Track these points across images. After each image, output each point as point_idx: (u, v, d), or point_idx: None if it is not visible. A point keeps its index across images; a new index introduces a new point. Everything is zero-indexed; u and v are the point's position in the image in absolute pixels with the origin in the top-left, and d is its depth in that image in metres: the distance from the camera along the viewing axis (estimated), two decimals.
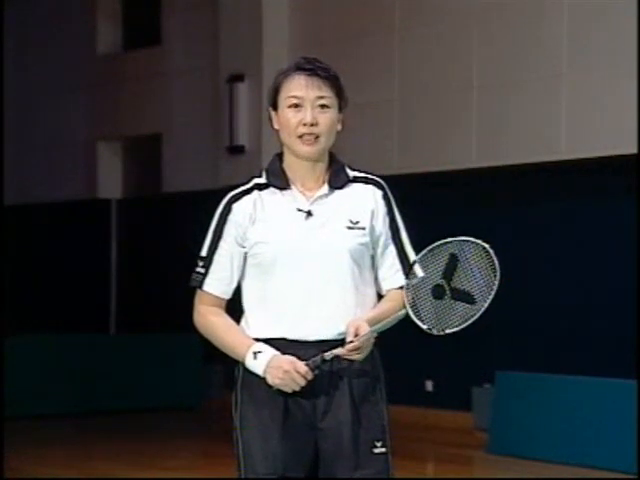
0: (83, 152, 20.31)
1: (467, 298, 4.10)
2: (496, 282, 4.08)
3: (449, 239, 4.11)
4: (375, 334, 4.13)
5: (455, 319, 4.10)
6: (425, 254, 4.13)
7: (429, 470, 12.29)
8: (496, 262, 4.08)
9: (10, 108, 21.76)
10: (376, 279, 4.20)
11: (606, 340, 13.32)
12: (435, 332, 4.09)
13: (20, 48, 21.50)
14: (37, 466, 11.89)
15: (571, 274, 13.83)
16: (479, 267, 4.10)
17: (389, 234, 4.20)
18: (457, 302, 4.11)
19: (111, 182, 20.19)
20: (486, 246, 4.10)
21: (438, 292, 4.10)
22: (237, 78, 16.85)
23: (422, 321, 4.08)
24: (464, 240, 4.12)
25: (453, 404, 14.46)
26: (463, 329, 4.12)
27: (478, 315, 4.09)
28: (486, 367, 13.43)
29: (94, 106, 20.03)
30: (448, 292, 4.10)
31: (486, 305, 4.09)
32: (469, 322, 4.09)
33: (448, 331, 4.10)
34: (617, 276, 13.36)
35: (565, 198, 13.91)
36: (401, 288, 4.14)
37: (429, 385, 14.96)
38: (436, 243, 4.11)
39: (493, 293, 4.09)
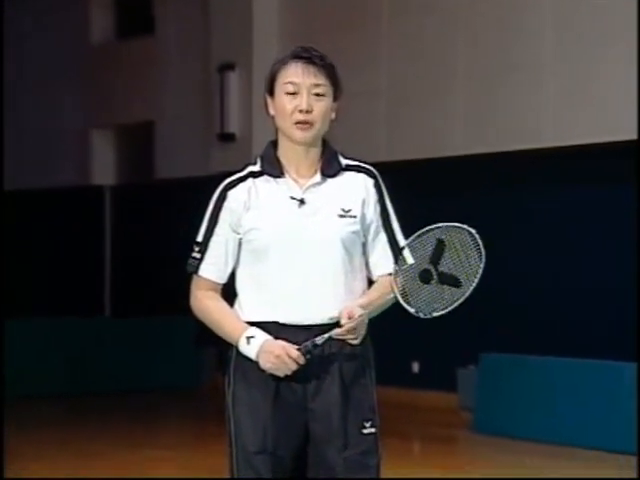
0: (77, 140, 20.30)
1: (453, 282, 4.10)
2: (481, 266, 4.08)
3: (436, 225, 4.11)
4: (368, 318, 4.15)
5: (442, 302, 4.10)
6: (413, 240, 4.13)
7: (415, 449, 12.33)
8: (482, 247, 4.08)
9: (5, 96, 21.73)
10: (367, 265, 4.21)
11: (589, 322, 13.36)
12: (422, 315, 4.09)
13: (15, 37, 21.43)
14: (33, 445, 11.90)
15: (554, 259, 13.86)
16: (465, 252, 4.10)
17: (380, 222, 4.20)
18: (444, 286, 4.11)
19: (105, 169, 20.20)
20: (472, 231, 4.10)
21: (425, 276, 4.10)
22: (228, 67, 16.86)
23: (410, 305, 4.09)
24: (451, 226, 4.12)
25: (438, 385, 14.49)
26: (448, 312, 4.13)
27: (464, 298, 4.10)
28: (471, 349, 13.47)
29: (88, 94, 20.00)
30: (435, 276, 4.10)
31: (471, 288, 4.09)
32: (455, 305, 4.09)
33: (435, 314, 4.10)
34: (599, 260, 13.39)
35: (549, 184, 13.94)
36: (391, 274, 4.14)
37: (415, 367, 15.00)
38: (424, 229, 4.11)
39: (478, 277, 4.09)
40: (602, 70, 13.39)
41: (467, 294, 4.09)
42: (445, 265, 4.10)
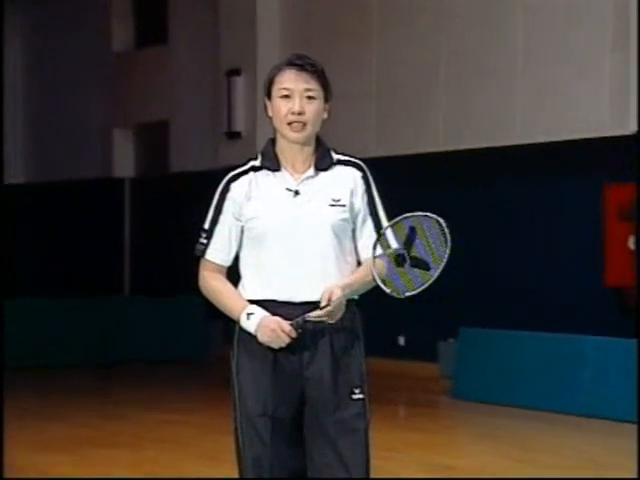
0: (100, 137, 20.31)
1: (423, 265, 4.07)
2: (447, 251, 4.05)
3: (409, 214, 4.09)
4: (356, 296, 4.14)
5: (413, 284, 4.07)
6: (388, 227, 4.12)
7: (401, 413, 12.33)
8: (448, 235, 4.04)
9: (36, 98, 21.76)
10: (356, 249, 4.21)
11: (555, 301, 13.38)
12: (395, 295, 4.07)
13: (45, 46, 21.46)
14: (61, 409, 11.91)
15: (525, 244, 13.88)
16: (434, 238, 4.08)
17: (367, 210, 4.19)
18: (415, 269, 4.08)
19: (125, 163, 20.21)
20: (440, 220, 4.07)
21: (399, 260, 4.09)
22: (234, 72, 16.87)
23: (386, 286, 4.08)
24: (422, 215, 4.09)
25: (422, 356, 14.51)
26: (430, 291, 4.12)
27: (432, 280, 4.06)
28: (450, 324, 13.48)
29: (110, 97, 20.02)
30: (408, 260, 4.08)
31: (439, 272, 4.05)
32: (425, 286, 4.06)
33: (407, 294, 4.08)
34: (564, 244, 13.41)
35: (519, 176, 13.95)
36: (375, 257, 4.13)
37: (401, 340, 15.01)
38: (398, 218, 4.09)
39: (445, 261, 4.05)
40: (566, 75, 13.40)
41: (435, 277, 4.05)
42: (416, 250, 4.08)
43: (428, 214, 4.08)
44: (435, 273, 4.06)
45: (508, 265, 13.95)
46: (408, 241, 4.07)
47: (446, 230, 4.06)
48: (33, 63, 21.82)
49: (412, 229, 4.08)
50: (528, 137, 13.77)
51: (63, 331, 15.92)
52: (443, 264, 4.05)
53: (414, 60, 15.08)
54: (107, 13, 20.09)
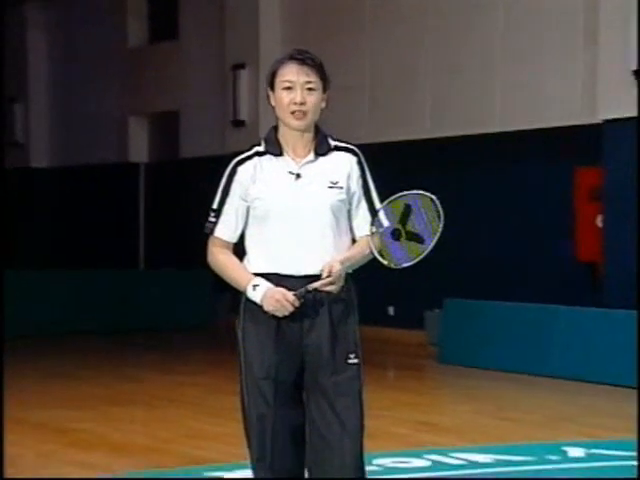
0: (117, 125, 20.30)
1: (418, 239, 4.06)
2: (441, 225, 4.03)
3: (405, 192, 4.08)
4: (350, 270, 4.13)
5: (409, 256, 4.07)
6: (386, 204, 4.11)
7: (391, 375, 12.36)
8: (441, 210, 4.04)
9: (59, 89, 21.73)
10: (351, 228, 4.19)
11: (531, 274, 13.40)
12: (393, 266, 4.06)
13: (68, 41, 21.44)
14: (82, 371, 11.92)
15: (504, 222, 13.89)
16: (427, 214, 4.06)
17: (362, 192, 4.18)
18: (411, 242, 4.07)
19: (139, 149, 20.21)
20: (433, 197, 4.05)
21: (396, 234, 4.07)
22: (239, 66, 16.87)
23: (383, 258, 4.07)
24: (416, 193, 4.08)
25: (410, 325, 14.55)
26: (417, 266, 4.10)
27: (427, 252, 4.05)
28: (436, 295, 13.50)
29: (126, 88, 20.01)
30: (404, 234, 4.06)
31: (433, 244, 4.04)
32: (420, 258, 4.05)
33: (404, 265, 4.07)
34: (539, 222, 13.42)
35: (496, 161, 13.96)
36: (371, 234, 4.12)
37: (391, 310, 15.04)
38: (394, 196, 4.08)
39: (438, 235, 4.04)
40: (541, 70, 13.41)
41: (429, 249, 4.04)
42: (411, 225, 4.06)
43: (422, 192, 4.07)
44: (429, 246, 4.04)
45: (489, 242, 13.97)
46: (404, 217, 4.05)
47: (439, 206, 4.05)
48: (57, 57, 21.79)
49: (407, 206, 4.07)
50: (506, 125, 13.79)
51: (83, 300, 15.97)
52: (437, 237, 4.04)
53: (403, 55, 15.08)
54: (123, 11, 20.09)
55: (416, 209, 4.06)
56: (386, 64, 15.32)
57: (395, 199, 4.07)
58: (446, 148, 14.38)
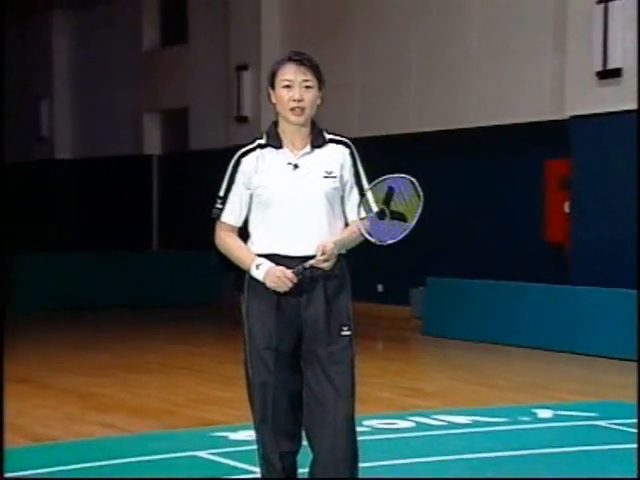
0: (132, 121, 20.26)
1: (401, 217, 4.02)
2: (421, 205, 3.99)
3: (388, 176, 4.04)
4: (344, 251, 4.13)
5: (394, 233, 4.02)
6: (370, 187, 4.08)
7: (379, 346, 12.37)
8: (420, 191, 3.99)
9: (81, 88, 21.68)
10: (344, 213, 4.18)
11: (504, 255, 13.40)
12: (378, 243, 4.03)
13: (89, 45, 21.38)
14: (103, 342, 11.94)
15: (483, 208, 13.89)
16: (409, 195, 4.02)
17: (353, 180, 4.16)
18: (394, 221, 4.02)
19: (152, 142, 20.17)
20: (413, 180, 4.02)
21: (381, 215, 4.05)
22: (242, 67, 16.83)
23: (371, 237, 4.06)
24: (397, 176, 4.05)
25: (396, 301, 14.56)
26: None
27: (409, 230, 3.99)
28: (420, 274, 13.50)
29: (140, 87, 19.95)
30: (388, 214, 4.02)
31: (415, 222, 3.99)
32: (404, 235, 4.00)
33: (390, 241, 4.02)
34: (517, 208, 13.42)
35: (475, 152, 13.95)
36: (361, 219, 4.10)
37: (380, 287, 15.05)
38: (378, 179, 4.05)
39: (419, 213, 3.99)
40: (514, 71, 13.39)
41: (411, 227, 3.99)
42: (395, 205, 4.01)
43: (403, 175, 4.03)
44: (412, 223, 4.01)
45: (468, 226, 13.98)
46: (387, 198, 4.02)
47: (418, 187, 4.01)
48: (79, 59, 21.74)
49: (390, 188, 4.04)
50: (484, 121, 13.77)
51: (103, 278, 15.97)
52: (418, 215, 4.00)
53: (390, 57, 15.06)
54: (138, 18, 20.04)
55: (398, 191, 4.04)
56: (375, 65, 15.30)
57: (379, 182, 4.05)
58: (429, 141, 14.37)
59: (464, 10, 14.01)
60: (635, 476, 2.98)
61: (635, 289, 10.85)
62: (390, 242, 4.03)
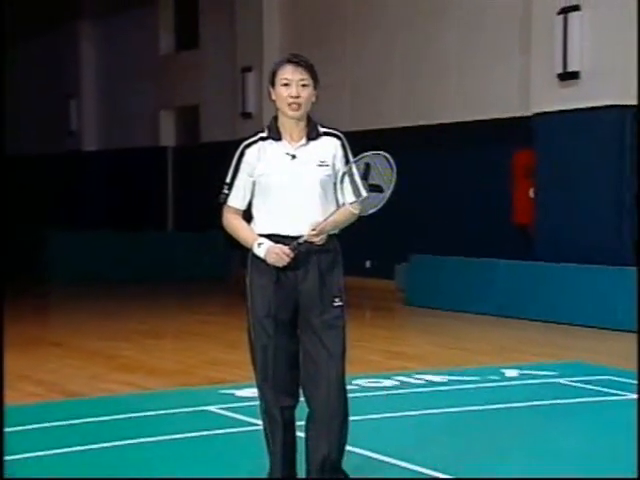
0: (150, 117, 20.21)
1: (378, 189, 4.00)
2: (394, 177, 3.96)
3: (365, 153, 4.01)
4: (336, 231, 4.10)
5: (372, 204, 4.01)
6: (353, 161, 4.03)
7: (367, 315, 12.37)
8: (393, 164, 3.96)
9: (105, 88, 21.62)
10: (336, 198, 4.15)
11: (477, 234, 13.40)
12: (363, 214, 4.01)
13: (111, 50, 21.31)
14: (123, 310, 11.92)
15: (459, 194, 13.88)
16: (383, 169, 3.99)
17: (345, 169, 4.13)
18: (372, 192, 4.00)
19: (168, 135, 20.13)
20: (387, 155, 4.00)
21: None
22: (247, 69, 16.79)
23: (356, 209, 4.03)
24: (373, 153, 4.02)
25: (383, 275, 14.56)
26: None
27: (386, 200, 3.96)
28: (404, 252, 13.50)
29: (157, 87, 19.90)
30: (367, 187, 4.02)
31: (389, 192, 3.96)
32: (381, 205, 3.98)
33: (370, 211, 4.00)
34: (489, 193, 13.41)
35: (451, 144, 13.92)
36: (351, 204, 4.07)
37: (368, 264, 15.04)
38: (356, 157, 4.02)
39: (393, 184, 3.96)
40: (486, 71, 13.36)
41: (387, 196, 3.96)
42: (372, 179, 3.99)
43: (378, 152, 4.01)
44: (388, 192, 3.97)
45: (447, 210, 13.97)
46: (365, 173, 4.01)
47: (392, 162, 3.98)
48: (103, 62, 21.68)
49: (367, 165, 4.01)
50: (460, 116, 13.75)
51: (124, 255, 15.93)
52: (392, 186, 3.96)
53: (377, 59, 15.02)
54: (155, 26, 19.97)
55: (374, 165, 4.02)
56: (363, 67, 15.25)
57: (358, 160, 4.04)
58: (412, 134, 14.33)
59: (442, 19, 13.97)
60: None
61: (590, 264, 10.89)
62: (371, 212, 4.01)
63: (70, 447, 5.01)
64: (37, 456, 4.85)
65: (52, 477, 3.29)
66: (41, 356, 8.34)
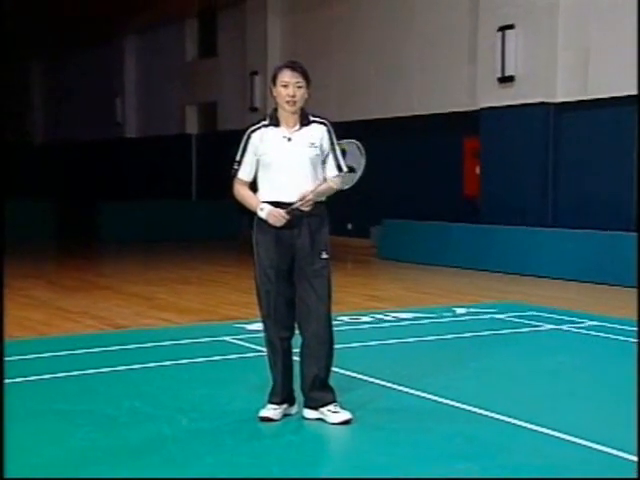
0: (178, 111, 20.07)
1: (352, 169, 4.07)
2: (363, 160, 4.08)
3: (342, 141, 4.05)
4: (324, 198, 4.07)
5: (348, 181, 4.09)
6: (335, 147, 4.05)
7: (348, 266, 12.38)
8: (362, 150, 4.07)
9: (143, 88, 21.43)
10: (323, 172, 4.13)
11: (441, 202, 13.37)
12: (338, 188, 4.03)
13: (148, 58, 21.10)
14: (157, 262, 11.86)
15: (421, 173, 13.82)
16: (356, 154, 4.09)
17: (330, 149, 4.10)
18: (349, 173, 4.06)
19: (192, 125, 20.01)
20: (358, 143, 4.06)
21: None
22: (254, 73, 16.66)
23: (337, 185, 4.05)
24: (348, 141, 4.08)
25: (361, 235, 14.55)
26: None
27: (357, 178, 4.08)
28: (378, 216, 13.49)
29: (184, 88, 19.73)
30: (345, 169, 4.05)
31: (361, 172, 4.06)
32: (355, 181, 4.09)
33: (345, 187, 4.09)
34: (444, 172, 13.37)
35: (418, 134, 13.85)
36: (333, 178, 4.07)
37: (349, 226, 15.03)
38: (338, 142, 4.04)
39: (363, 166, 4.08)
40: (443, 74, 13.26)
41: (359, 175, 4.05)
42: (348, 161, 4.05)
43: (351, 140, 4.05)
44: (359, 172, 4.06)
45: (412, 184, 13.93)
46: (342, 156, 4.05)
47: (361, 147, 4.08)
48: (141, 68, 21.50)
49: (343, 150, 4.05)
50: (422, 110, 13.67)
51: (158, 219, 15.87)
52: (362, 167, 4.08)
53: (357, 67, 14.90)
54: (182, 39, 19.79)
55: (350, 151, 4.04)
56: (347, 71, 15.13)
57: (337, 145, 4.05)
58: (386, 124, 14.26)
59: (409, 35, 13.85)
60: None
61: (521, 226, 10.92)
62: (346, 187, 4.09)
63: (122, 366, 5.15)
64: (98, 372, 4.98)
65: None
66: (96, 297, 8.35)
